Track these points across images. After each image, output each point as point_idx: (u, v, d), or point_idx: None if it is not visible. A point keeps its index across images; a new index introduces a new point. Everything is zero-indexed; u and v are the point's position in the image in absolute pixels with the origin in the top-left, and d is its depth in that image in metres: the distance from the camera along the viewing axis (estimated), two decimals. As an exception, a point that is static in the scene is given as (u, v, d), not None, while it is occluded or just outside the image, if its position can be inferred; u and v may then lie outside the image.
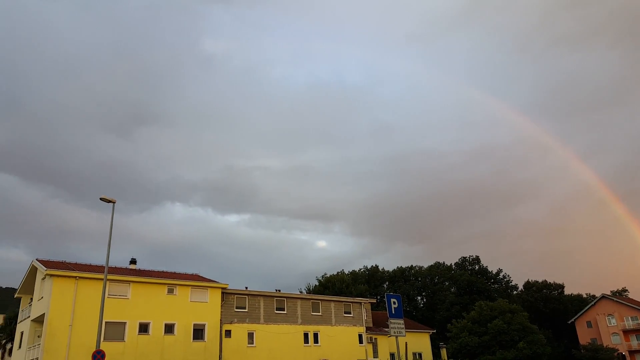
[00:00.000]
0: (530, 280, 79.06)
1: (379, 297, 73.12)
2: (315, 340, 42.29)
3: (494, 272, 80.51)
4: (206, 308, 36.78)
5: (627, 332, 73.00)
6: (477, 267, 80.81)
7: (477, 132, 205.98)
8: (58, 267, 32.35)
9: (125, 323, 32.50)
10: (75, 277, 31.27)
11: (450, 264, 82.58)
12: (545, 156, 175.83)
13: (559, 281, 79.05)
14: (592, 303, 75.93)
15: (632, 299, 79.98)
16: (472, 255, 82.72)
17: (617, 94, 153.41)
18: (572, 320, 75.58)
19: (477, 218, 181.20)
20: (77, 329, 30.09)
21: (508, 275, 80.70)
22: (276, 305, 41.29)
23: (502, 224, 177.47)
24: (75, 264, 35.03)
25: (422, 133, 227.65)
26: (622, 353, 67.58)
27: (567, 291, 78.63)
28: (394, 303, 20.54)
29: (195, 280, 38.20)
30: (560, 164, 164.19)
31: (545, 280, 78.44)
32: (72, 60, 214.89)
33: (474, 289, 74.64)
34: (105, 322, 27.77)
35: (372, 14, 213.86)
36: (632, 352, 71.72)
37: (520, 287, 79.12)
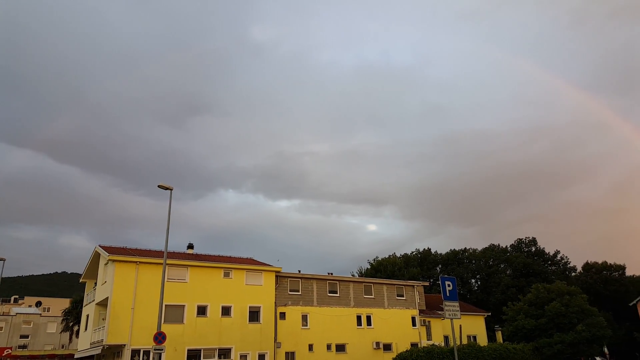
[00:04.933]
0: (589, 262, 75.84)
1: (432, 280, 72.35)
2: (369, 323, 42.44)
3: (551, 254, 77.91)
4: (261, 291, 37.59)
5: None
6: (533, 249, 78.42)
7: (533, 111, 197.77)
8: (119, 252, 33.89)
9: (184, 306, 33.73)
10: (136, 262, 32.64)
11: (506, 246, 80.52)
12: (604, 134, 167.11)
13: (620, 262, 75.37)
14: (657, 284, 71.86)
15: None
16: (528, 237, 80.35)
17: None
18: (634, 302, 71.77)
19: (532, 199, 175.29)
20: (139, 311, 31.50)
21: (566, 257, 77.82)
22: (329, 288, 41.65)
23: (559, 205, 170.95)
24: (136, 249, 36.55)
25: (474, 113, 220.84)
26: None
27: (628, 272, 74.73)
28: (449, 286, 20.30)
29: (249, 264, 39.04)
30: (619, 141, 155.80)
31: (606, 262, 74.90)
32: (128, 53, 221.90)
33: (530, 271, 72.52)
34: (165, 305, 28.77)
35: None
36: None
37: (579, 268, 76.13)
